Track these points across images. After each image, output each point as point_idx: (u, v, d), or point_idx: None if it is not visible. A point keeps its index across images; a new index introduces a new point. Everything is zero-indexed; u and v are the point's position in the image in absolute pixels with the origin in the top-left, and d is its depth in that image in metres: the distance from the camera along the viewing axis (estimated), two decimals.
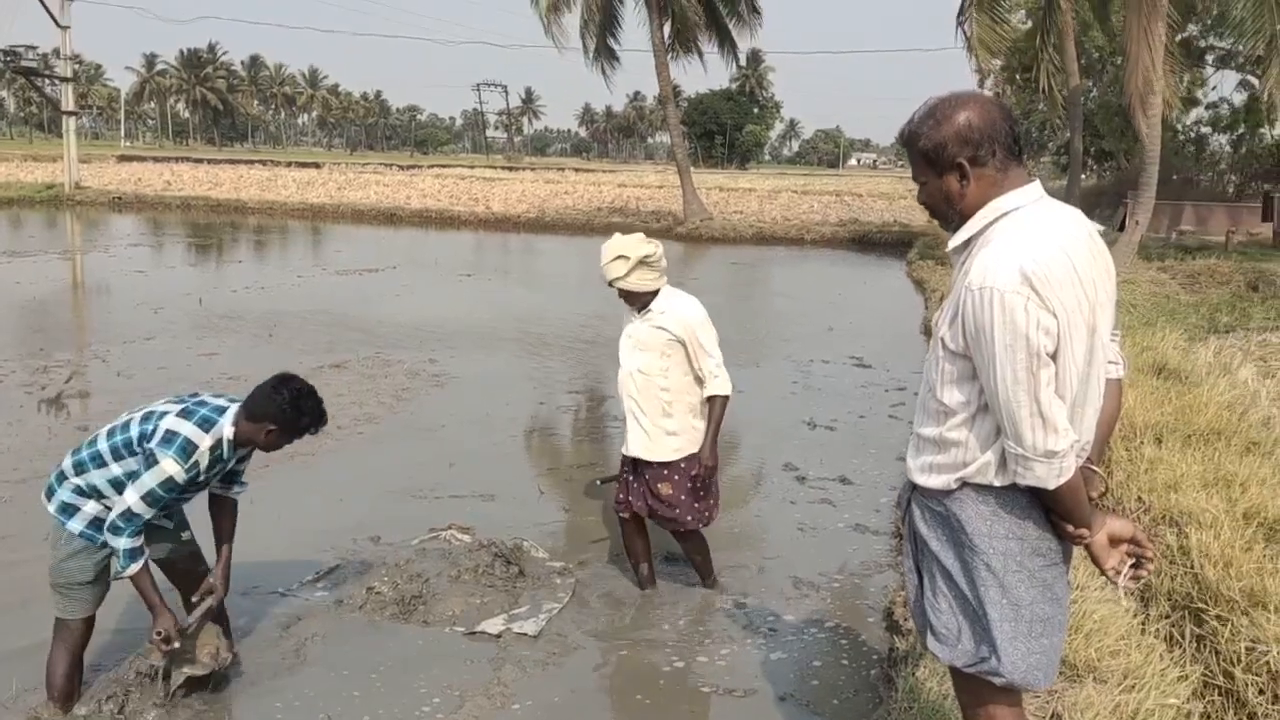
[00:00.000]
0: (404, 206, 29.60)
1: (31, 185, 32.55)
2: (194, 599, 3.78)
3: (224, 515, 3.84)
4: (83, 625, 3.69)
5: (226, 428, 3.50)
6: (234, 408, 3.56)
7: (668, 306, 4.46)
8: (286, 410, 3.49)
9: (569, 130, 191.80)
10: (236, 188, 34.56)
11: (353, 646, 4.29)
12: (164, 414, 3.48)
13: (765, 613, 4.69)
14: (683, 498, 4.40)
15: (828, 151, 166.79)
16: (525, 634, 4.41)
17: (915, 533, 2.43)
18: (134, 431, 3.48)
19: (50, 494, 3.58)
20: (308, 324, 11.75)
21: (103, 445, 3.52)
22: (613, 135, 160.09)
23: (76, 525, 3.54)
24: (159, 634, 3.51)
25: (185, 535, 3.88)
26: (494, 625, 4.47)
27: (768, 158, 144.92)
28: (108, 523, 3.44)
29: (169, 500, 3.52)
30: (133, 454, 3.46)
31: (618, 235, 4.47)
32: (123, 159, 56.53)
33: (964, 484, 2.27)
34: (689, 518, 4.43)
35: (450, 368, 9.69)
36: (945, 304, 2.31)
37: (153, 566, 3.63)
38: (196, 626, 3.70)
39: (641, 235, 4.44)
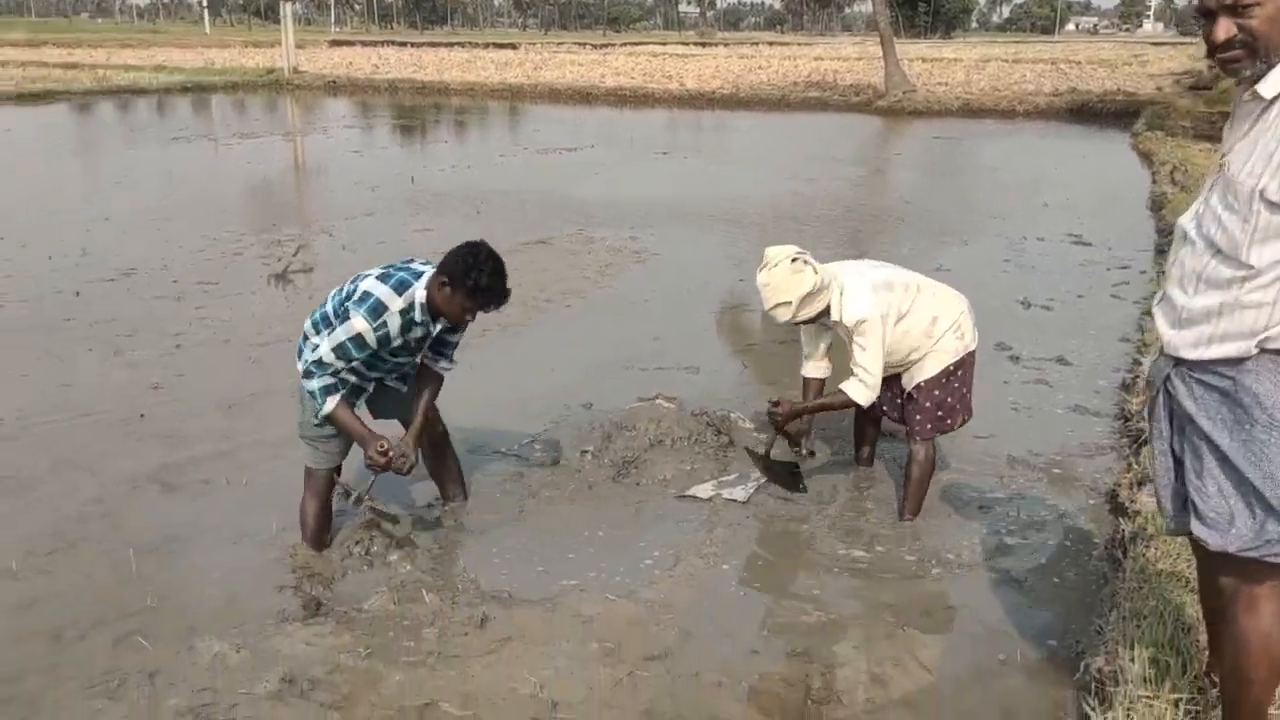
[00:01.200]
0: (598, 85, 29.60)
1: (253, 70, 34.34)
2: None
3: (426, 384, 3.95)
4: (328, 475, 4.00)
5: (419, 291, 3.60)
6: (430, 272, 3.65)
7: (840, 311, 4.06)
8: (462, 262, 3.51)
9: (762, 3, 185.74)
10: (439, 70, 35.40)
11: (569, 505, 4.50)
12: (364, 276, 3.67)
13: (979, 490, 4.61)
14: (926, 404, 4.20)
15: (1042, 16, 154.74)
16: (734, 500, 4.50)
17: (1176, 412, 2.29)
18: (344, 293, 3.70)
19: (300, 355, 3.85)
20: (512, 201, 12.06)
21: (328, 308, 3.74)
22: (808, 6, 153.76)
23: (315, 385, 3.76)
24: (379, 450, 3.70)
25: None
26: (704, 490, 4.59)
27: (975, 25, 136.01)
28: (301, 368, 3.70)
29: (365, 360, 3.71)
30: (340, 302, 3.70)
31: (766, 262, 3.99)
32: (334, 44, 58.73)
33: (1263, 351, 2.12)
34: (928, 425, 4.22)
35: (650, 244, 9.78)
36: (1251, 159, 2.09)
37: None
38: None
39: (789, 258, 3.95)
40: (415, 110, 25.62)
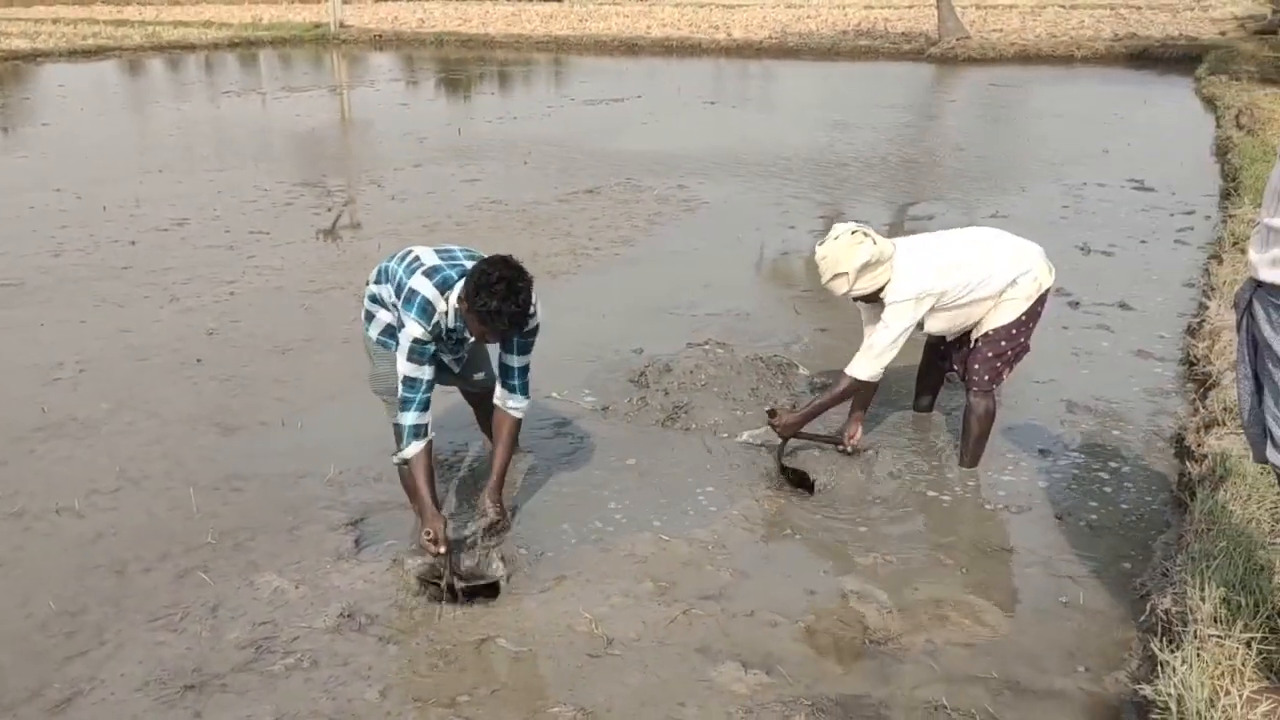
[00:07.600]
0: (644, 36, 29.19)
1: (300, 25, 34.32)
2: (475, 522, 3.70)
3: (500, 431, 3.70)
4: None
5: (453, 296, 3.32)
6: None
7: (891, 289, 3.97)
8: (474, 280, 3.19)
9: None
10: (484, 23, 35.13)
11: (621, 448, 4.48)
12: (417, 267, 3.38)
13: (1039, 434, 4.53)
14: (989, 354, 4.10)
15: None
16: (775, 445, 4.45)
17: (1256, 338, 2.21)
18: (400, 268, 3.45)
19: (366, 305, 3.73)
20: (560, 152, 11.97)
21: (389, 264, 3.58)
22: None
23: (373, 332, 3.68)
24: (428, 534, 3.40)
25: (477, 377, 3.97)
26: (756, 435, 4.55)
27: None
28: (399, 398, 3.43)
29: (436, 354, 3.45)
30: (396, 288, 3.46)
31: (825, 241, 3.95)
32: None
33: None
34: (985, 377, 4.11)
35: (699, 193, 9.66)
36: None
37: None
38: (476, 539, 3.61)
39: (849, 230, 3.91)
40: (461, 63, 25.50)
